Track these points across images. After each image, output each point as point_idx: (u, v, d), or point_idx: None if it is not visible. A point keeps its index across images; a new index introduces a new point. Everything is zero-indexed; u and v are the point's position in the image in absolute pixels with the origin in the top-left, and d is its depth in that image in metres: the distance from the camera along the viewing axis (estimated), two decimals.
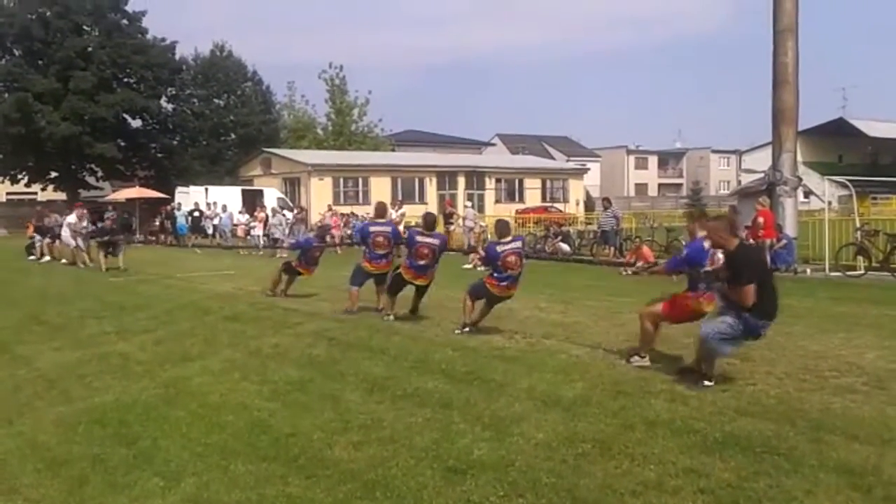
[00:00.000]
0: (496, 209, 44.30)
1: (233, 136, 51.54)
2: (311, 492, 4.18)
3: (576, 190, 51.95)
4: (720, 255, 6.72)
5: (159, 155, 47.24)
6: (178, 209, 32.62)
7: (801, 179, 17.45)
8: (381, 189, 42.03)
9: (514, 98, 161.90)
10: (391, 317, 9.72)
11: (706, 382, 6.05)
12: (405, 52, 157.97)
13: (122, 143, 44.64)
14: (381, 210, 11.36)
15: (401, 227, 22.57)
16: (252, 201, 34.61)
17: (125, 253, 18.71)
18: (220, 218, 30.03)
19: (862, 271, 15.62)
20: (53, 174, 44.49)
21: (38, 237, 22.47)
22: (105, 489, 4.33)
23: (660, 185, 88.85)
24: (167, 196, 37.31)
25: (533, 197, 49.06)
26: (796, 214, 17.46)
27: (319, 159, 44.30)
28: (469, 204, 32.64)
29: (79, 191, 43.92)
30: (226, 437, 5.15)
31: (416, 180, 45.80)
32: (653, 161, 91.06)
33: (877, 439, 4.79)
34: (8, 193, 50.74)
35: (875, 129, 62.06)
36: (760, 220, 15.57)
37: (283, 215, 27.61)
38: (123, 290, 14.19)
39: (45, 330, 9.85)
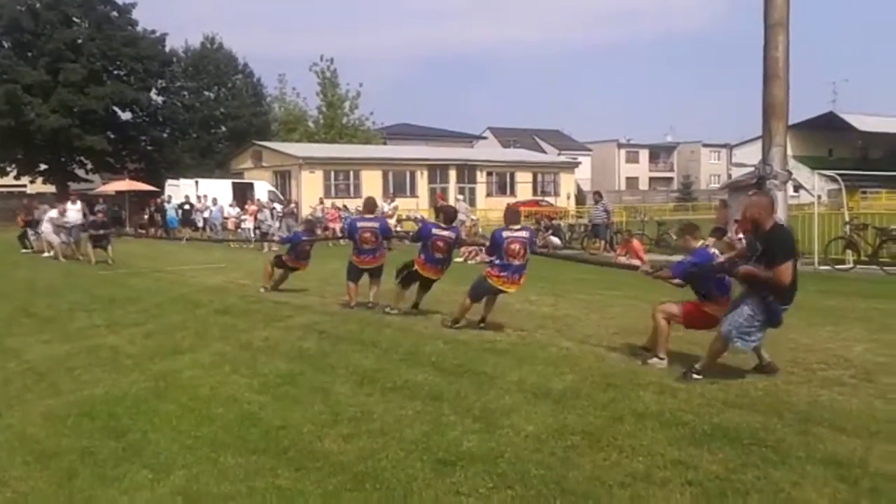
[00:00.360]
0: (487, 202, 44.39)
1: (223, 128, 51.28)
2: (300, 484, 4.18)
3: (567, 183, 52.04)
4: (722, 258, 6.71)
5: (149, 147, 47.03)
6: (168, 202, 32.50)
7: (791, 173, 17.46)
8: (372, 182, 42.02)
9: (506, 92, 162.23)
10: (396, 311, 9.61)
11: (695, 375, 6.07)
12: (396, 46, 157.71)
13: (112, 136, 44.40)
14: (370, 205, 11.35)
15: (393, 221, 22.71)
16: (242, 194, 34.56)
17: (114, 246, 18.63)
18: (211, 211, 29.92)
19: (851, 265, 15.74)
20: (43, 167, 44.18)
21: (29, 230, 22.34)
22: (94, 482, 4.32)
23: (651, 179, 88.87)
24: (157, 189, 37.18)
25: (524, 190, 49.09)
26: (786, 208, 17.50)
27: (310, 152, 44.26)
28: (461, 197, 32.70)
29: (68, 183, 43.60)
30: (216, 429, 5.14)
31: (408, 173, 45.83)
32: (644, 155, 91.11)
33: (864, 431, 4.82)
34: None
35: (865, 123, 62.39)
36: None
37: (274, 208, 27.57)
38: (113, 283, 14.13)
39: (34, 322, 9.80)
